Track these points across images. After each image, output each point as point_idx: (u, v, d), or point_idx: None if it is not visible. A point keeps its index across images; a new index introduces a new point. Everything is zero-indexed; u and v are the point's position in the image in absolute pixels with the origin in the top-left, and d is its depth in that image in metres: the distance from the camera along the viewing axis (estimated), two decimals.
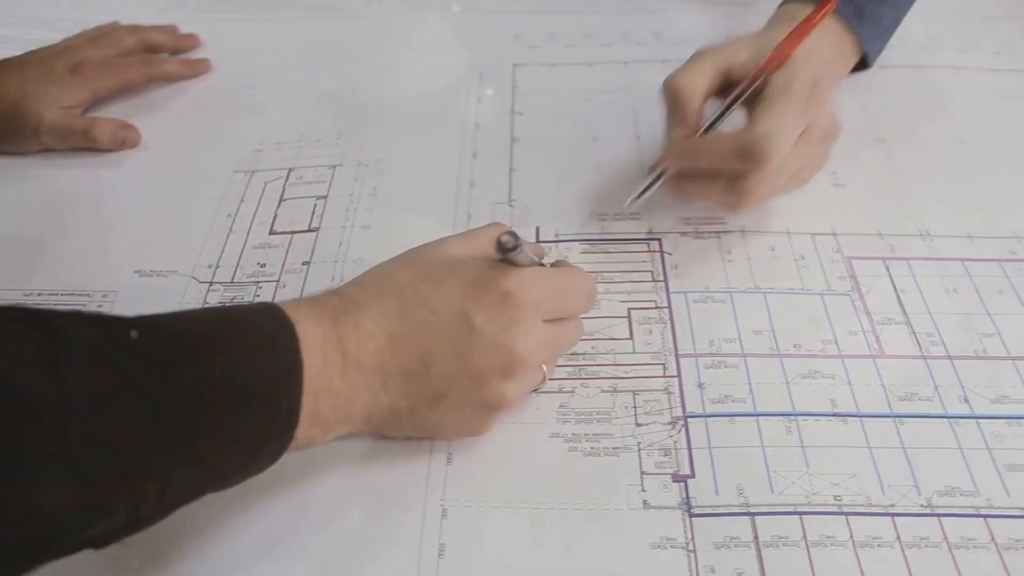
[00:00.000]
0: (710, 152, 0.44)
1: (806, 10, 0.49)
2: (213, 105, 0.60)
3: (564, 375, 0.44)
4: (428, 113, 0.59)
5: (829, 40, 0.49)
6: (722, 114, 0.46)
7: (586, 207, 0.52)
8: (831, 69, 0.48)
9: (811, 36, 0.45)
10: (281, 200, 0.53)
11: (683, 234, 0.50)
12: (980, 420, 0.42)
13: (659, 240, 0.50)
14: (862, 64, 0.53)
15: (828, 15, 0.45)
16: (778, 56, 0.45)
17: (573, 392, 0.43)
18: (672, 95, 0.46)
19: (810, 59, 0.45)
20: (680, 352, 0.45)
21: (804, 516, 0.38)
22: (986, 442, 0.41)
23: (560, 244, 0.50)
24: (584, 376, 0.44)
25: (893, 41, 0.64)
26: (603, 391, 0.43)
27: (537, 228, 0.51)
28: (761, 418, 0.42)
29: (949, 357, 0.45)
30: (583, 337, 0.45)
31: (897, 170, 0.55)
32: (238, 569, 0.37)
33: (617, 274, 0.48)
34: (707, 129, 0.46)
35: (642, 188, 0.47)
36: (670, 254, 0.49)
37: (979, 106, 0.59)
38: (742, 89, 0.45)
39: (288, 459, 0.39)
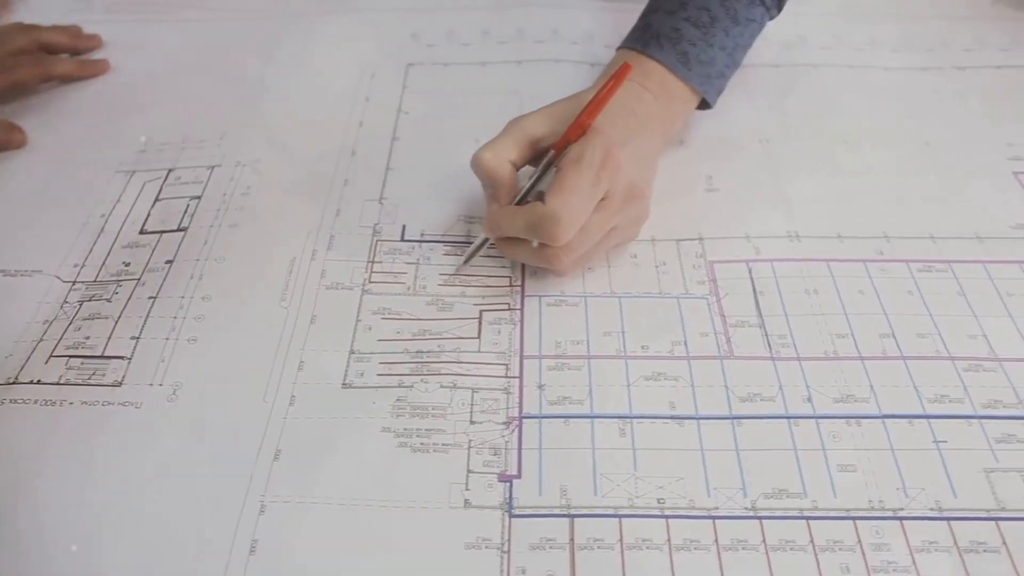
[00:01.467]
0: (510, 225, 0.44)
1: (633, 59, 0.50)
2: (105, 106, 0.61)
3: (406, 371, 0.44)
4: (315, 112, 0.59)
5: (652, 93, 0.49)
6: (532, 185, 0.46)
7: (456, 209, 0.52)
8: (644, 126, 0.48)
9: (626, 95, 0.46)
10: (156, 200, 0.53)
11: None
12: (820, 420, 0.41)
13: None
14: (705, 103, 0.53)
15: (625, 79, 0.45)
16: (578, 128, 0.45)
17: (412, 387, 0.43)
18: (480, 171, 0.46)
19: (614, 123, 0.45)
20: (525, 353, 0.44)
21: (624, 519, 0.38)
22: (822, 442, 0.41)
23: (424, 244, 0.50)
24: (426, 372, 0.43)
25: (793, 40, 0.64)
26: (442, 387, 0.43)
27: (404, 226, 0.51)
28: (596, 420, 0.41)
29: (798, 358, 0.44)
30: (430, 336, 0.45)
31: (775, 171, 0.54)
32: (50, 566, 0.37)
33: (476, 278, 0.48)
34: (523, 197, 0.46)
35: (468, 253, 0.48)
36: None
37: (869, 105, 0.59)
38: (547, 161, 0.45)
39: (113, 449, 0.40)
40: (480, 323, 0.46)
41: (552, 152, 0.46)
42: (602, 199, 0.44)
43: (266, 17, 0.68)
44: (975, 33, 0.65)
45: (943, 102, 0.59)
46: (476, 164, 0.46)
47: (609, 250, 0.48)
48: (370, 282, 0.48)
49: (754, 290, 0.47)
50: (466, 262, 0.48)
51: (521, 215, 0.44)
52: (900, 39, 0.64)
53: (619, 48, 0.53)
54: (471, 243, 0.49)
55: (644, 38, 0.51)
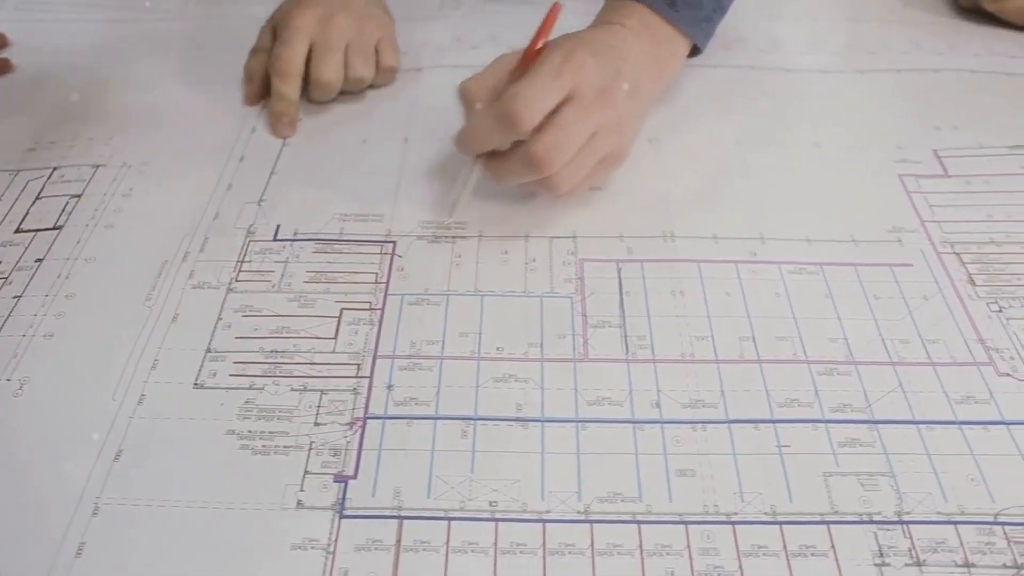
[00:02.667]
0: (479, 127, 0.45)
1: (618, 4, 0.51)
2: (1, 105, 0.61)
3: (259, 372, 0.43)
4: (209, 116, 0.59)
5: (635, 34, 0.49)
6: None
7: (333, 208, 0.52)
8: (632, 61, 0.48)
9: (608, 35, 0.47)
10: (37, 199, 0.53)
11: (419, 238, 0.50)
12: (665, 425, 0.41)
13: (394, 243, 0.50)
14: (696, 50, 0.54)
15: (557, 15, 0.47)
16: (526, 60, 0.46)
17: (263, 389, 0.43)
18: (465, 98, 0.47)
19: (595, 53, 0.46)
20: (379, 353, 0.44)
21: (453, 521, 0.38)
22: (665, 447, 0.40)
23: (296, 243, 0.50)
24: (278, 374, 0.43)
25: None
26: (293, 389, 0.43)
27: (278, 226, 0.51)
28: (439, 421, 0.41)
29: (654, 361, 0.44)
30: (287, 334, 0.45)
31: (660, 171, 0.54)
32: None
33: (341, 275, 0.48)
34: None
35: (457, 191, 0.48)
36: (400, 257, 0.49)
37: (764, 105, 0.59)
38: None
39: None
40: (339, 322, 0.46)
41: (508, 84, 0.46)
42: (572, 98, 0.44)
43: (173, 18, 0.69)
44: (882, 36, 0.65)
45: (839, 104, 0.59)
46: (462, 91, 0.47)
47: (601, 170, 0.48)
48: (237, 280, 0.48)
49: (620, 290, 0.47)
50: (454, 206, 0.49)
51: (489, 109, 0.45)
52: (807, 41, 0.64)
53: None
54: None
55: None
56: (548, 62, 0.44)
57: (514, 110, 0.43)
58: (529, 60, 0.46)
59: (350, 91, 0.59)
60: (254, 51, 0.60)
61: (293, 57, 0.56)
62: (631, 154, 0.54)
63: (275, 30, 0.58)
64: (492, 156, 0.47)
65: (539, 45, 0.47)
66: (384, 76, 0.60)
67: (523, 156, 0.45)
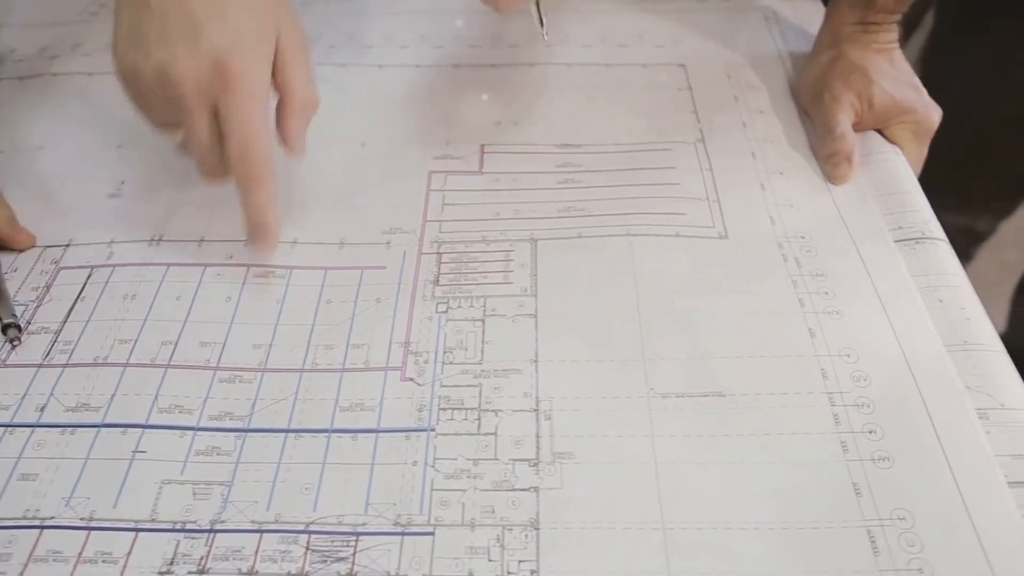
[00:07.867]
0: None
1: None
2: None
3: None
4: None
5: None
6: None
7: None
8: None
9: None
10: None
11: None
12: (38, 428, 0.41)
13: None
14: None
15: None
16: None
17: None
18: None
19: None
20: None
21: None
22: (22, 451, 0.40)
23: None
24: None
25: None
26: None
27: None
28: None
29: (65, 365, 0.44)
30: None
31: (186, 174, 0.54)
32: None
33: None
34: None
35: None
36: None
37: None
38: None
39: None
40: None
41: None
42: None
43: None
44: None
45: (386, 101, 0.58)
46: None
47: None
48: None
49: (77, 296, 0.47)
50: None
51: None
52: (417, 35, 0.63)
53: None
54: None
55: None
56: None
57: None
58: None
59: None
60: None
61: None
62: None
63: None
64: None
65: None
66: None
67: None
